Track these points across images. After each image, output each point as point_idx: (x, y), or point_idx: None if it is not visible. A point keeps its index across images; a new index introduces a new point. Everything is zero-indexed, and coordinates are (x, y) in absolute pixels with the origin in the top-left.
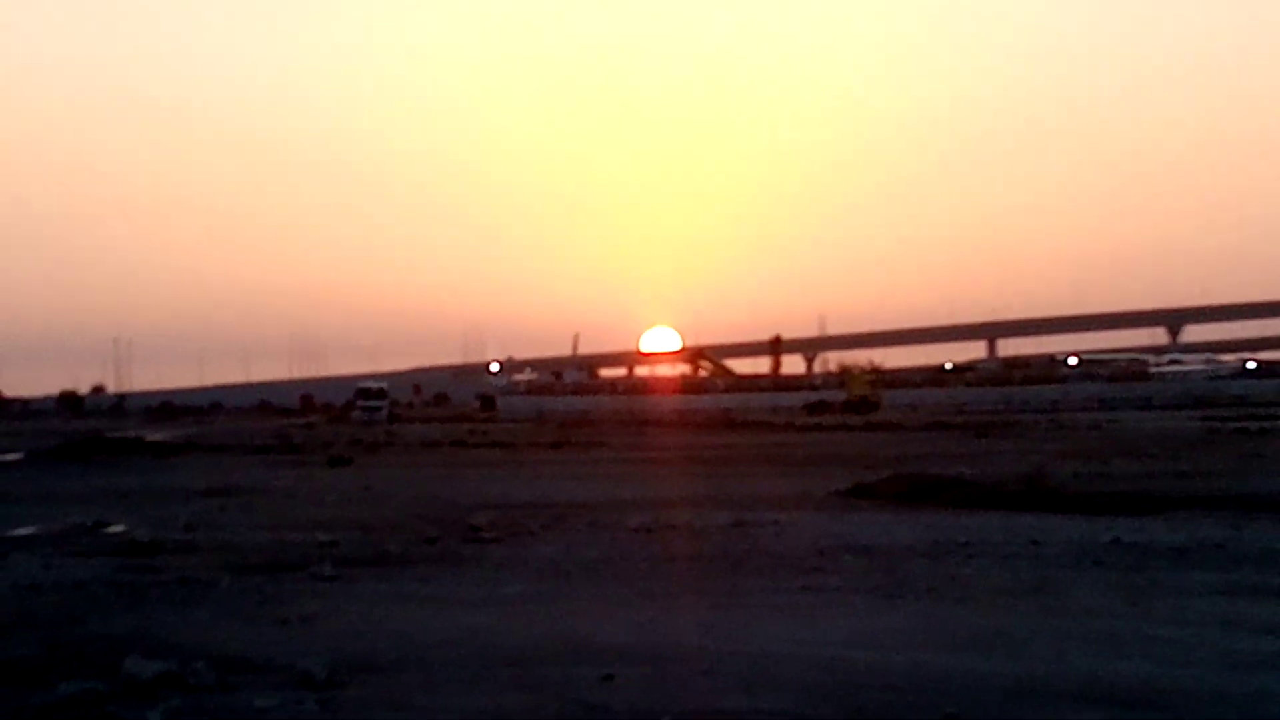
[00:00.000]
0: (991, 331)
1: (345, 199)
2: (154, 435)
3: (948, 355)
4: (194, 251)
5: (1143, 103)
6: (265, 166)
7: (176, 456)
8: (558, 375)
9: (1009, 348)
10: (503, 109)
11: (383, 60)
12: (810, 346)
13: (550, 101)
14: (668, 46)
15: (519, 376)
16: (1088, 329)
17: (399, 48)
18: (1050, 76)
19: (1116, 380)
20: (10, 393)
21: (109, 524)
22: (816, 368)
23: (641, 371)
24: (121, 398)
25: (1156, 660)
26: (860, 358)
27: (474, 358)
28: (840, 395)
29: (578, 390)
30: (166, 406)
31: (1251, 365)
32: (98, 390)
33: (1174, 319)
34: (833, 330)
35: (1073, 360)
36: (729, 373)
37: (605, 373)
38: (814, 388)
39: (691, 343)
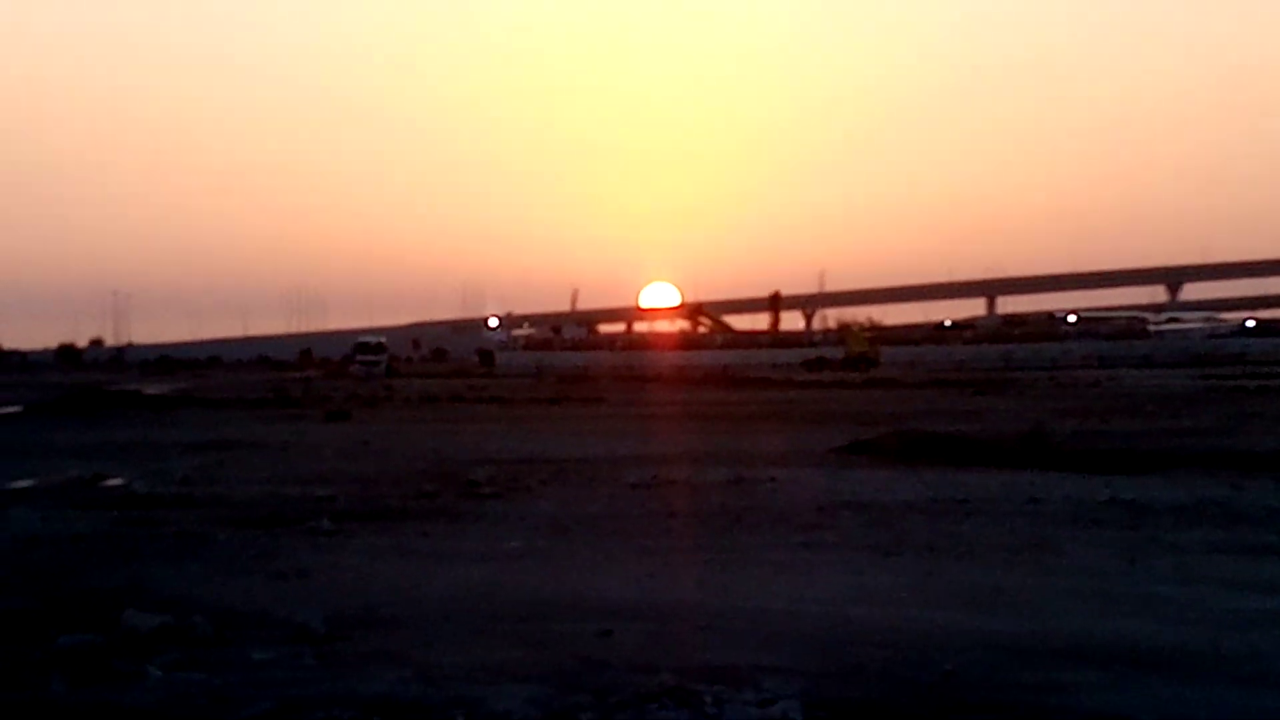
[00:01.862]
0: (990, 289)
1: (343, 153)
2: (152, 389)
3: (947, 312)
4: (193, 205)
5: (1141, 58)
6: (263, 120)
7: (174, 410)
8: (556, 330)
9: (1008, 305)
10: (501, 63)
11: (381, 14)
12: (809, 303)
13: (550, 56)
14: (668, 6)
15: (518, 331)
16: (1087, 287)
17: (401, 7)
18: (1048, 33)
19: (1116, 338)
20: (9, 345)
21: (107, 477)
22: (815, 324)
23: (640, 327)
24: (120, 351)
25: (1156, 618)
26: (859, 314)
27: (473, 313)
28: (839, 352)
29: (576, 346)
30: (164, 360)
31: (1251, 324)
32: (96, 343)
33: (1173, 277)
34: (831, 287)
35: (1071, 318)
36: (728, 328)
37: (604, 328)
38: (813, 344)
39: (690, 299)
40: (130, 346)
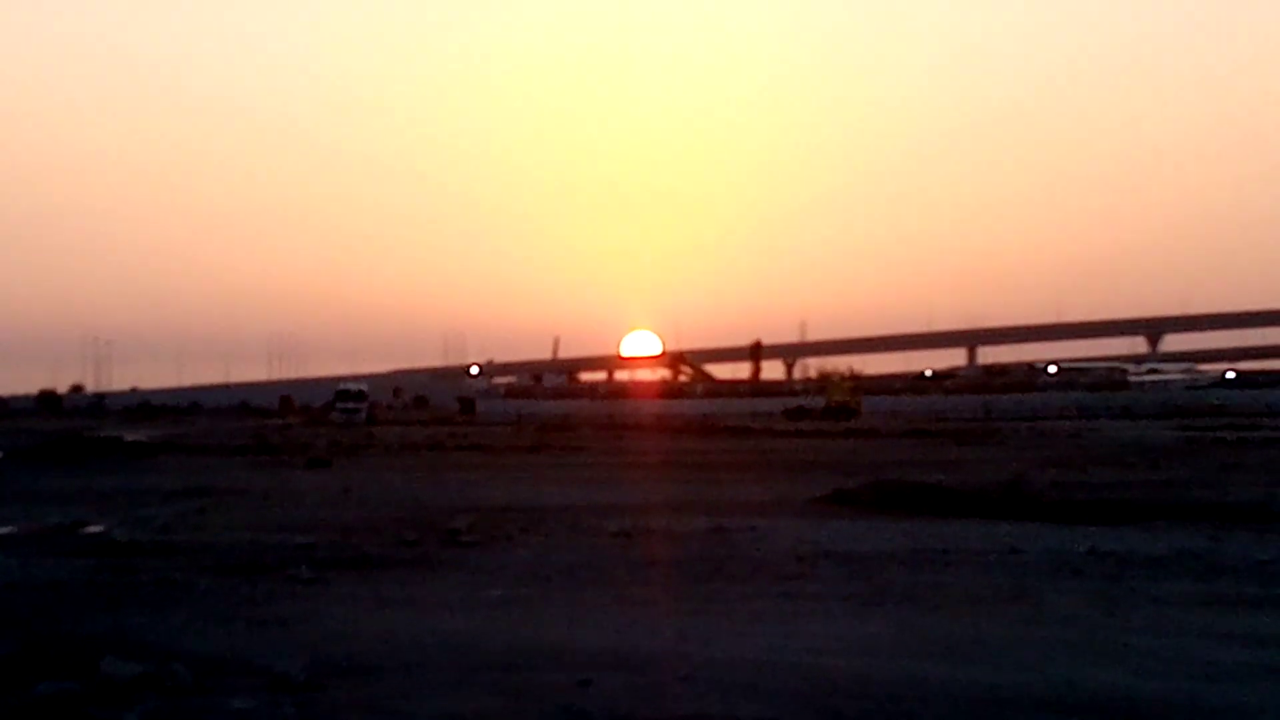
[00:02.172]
0: (971, 339)
1: (326, 201)
2: (132, 435)
3: (928, 362)
4: (174, 252)
5: (1124, 111)
6: (246, 168)
7: (155, 457)
8: (537, 379)
9: (989, 355)
10: (484, 112)
11: (363, 63)
12: (790, 352)
13: (533, 105)
14: (651, 52)
15: (499, 380)
16: (1068, 337)
17: (380, 50)
18: (1033, 84)
19: (1096, 389)
20: None
21: (87, 524)
22: (796, 373)
23: (621, 376)
24: (100, 397)
25: (1134, 670)
26: (840, 364)
27: (454, 360)
28: (820, 401)
29: (558, 394)
30: (145, 406)
31: (1231, 375)
32: (76, 389)
33: (1154, 328)
34: (813, 336)
35: (1052, 368)
36: (709, 377)
37: (585, 376)
38: (794, 393)
39: (672, 347)
40: (110, 393)
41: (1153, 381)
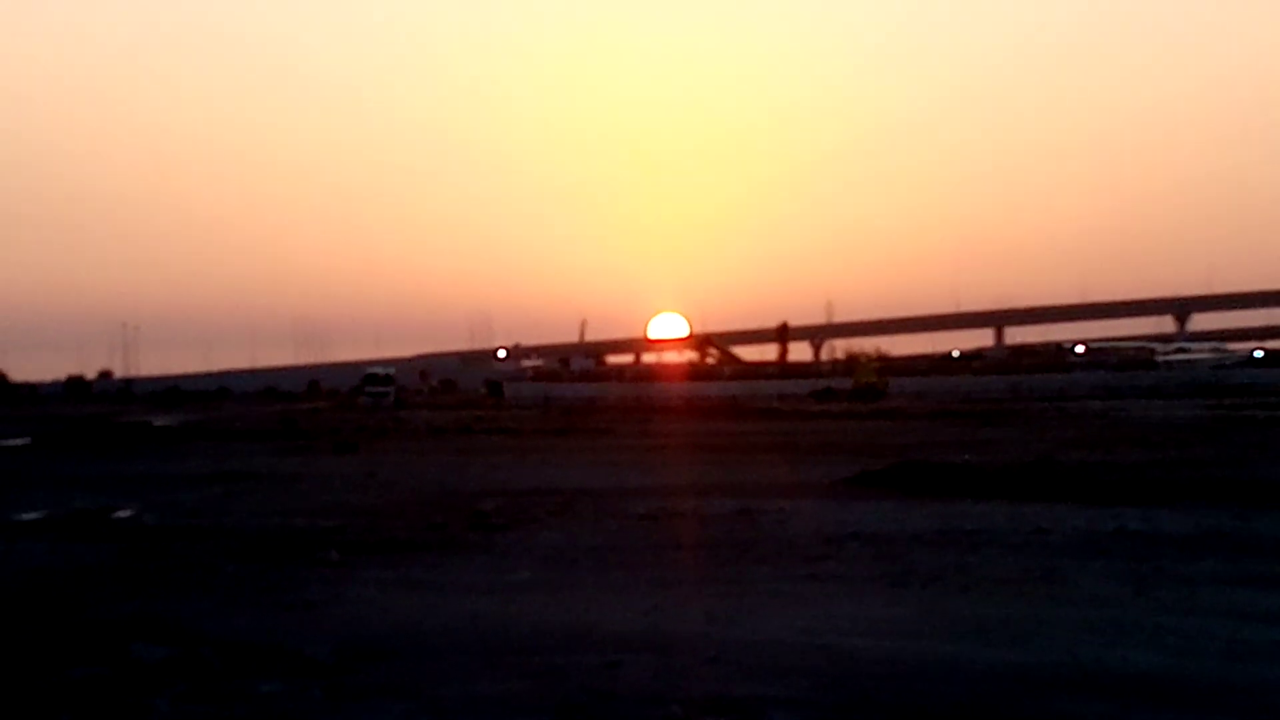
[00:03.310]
0: (998, 319)
1: (352, 184)
2: (161, 421)
3: (955, 343)
4: (201, 237)
5: (1149, 90)
6: (271, 151)
7: (183, 442)
8: (565, 362)
9: (1016, 336)
10: (509, 94)
11: (389, 44)
12: (817, 334)
13: (558, 89)
14: (674, 32)
15: (526, 363)
16: (1095, 317)
17: (406, 30)
18: (1057, 65)
19: (1123, 368)
20: (18, 378)
21: (116, 509)
22: (823, 355)
23: (648, 358)
24: (128, 383)
25: (1164, 650)
26: (867, 345)
27: (481, 344)
28: (847, 383)
29: (585, 377)
30: (173, 392)
31: (1259, 354)
32: (105, 375)
33: (1181, 307)
34: (839, 318)
35: (1079, 348)
36: (736, 359)
37: (612, 359)
38: (821, 375)
39: (699, 329)
40: (138, 379)
41: (1180, 361)
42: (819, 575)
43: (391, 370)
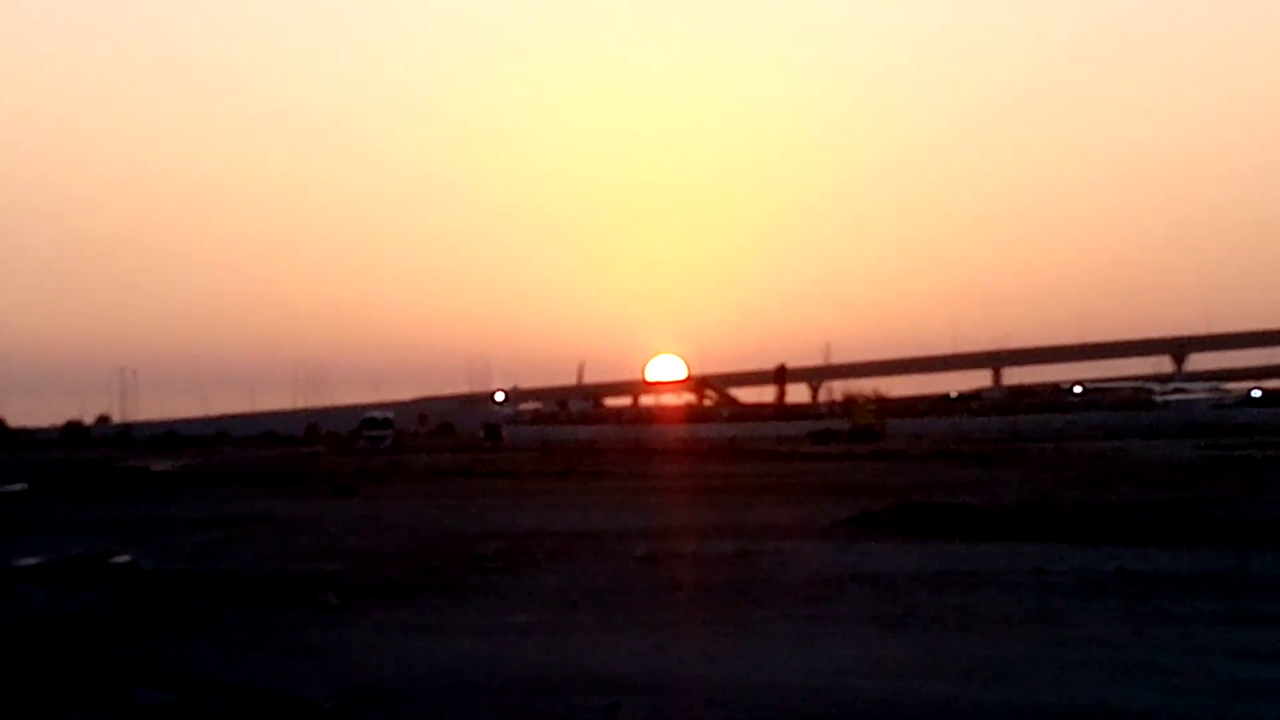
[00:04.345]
0: (996, 360)
1: (350, 229)
2: (159, 465)
3: (953, 384)
4: (199, 281)
5: (1147, 131)
6: (270, 196)
7: (181, 487)
8: (563, 404)
9: (1014, 376)
10: (507, 136)
11: (386, 87)
12: (815, 375)
13: (555, 128)
14: (673, 74)
15: (524, 406)
16: (1093, 357)
17: (403, 74)
18: (1055, 104)
19: (1121, 409)
20: (15, 423)
21: (114, 554)
22: (821, 396)
23: (647, 400)
24: (127, 428)
25: (1163, 689)
26: (865, 386)
27: (479, 387)
28: (845, 424)
29: (583, 419)
30: (171, 436)
31: (1257, 394)
32: (103, 420)
33: (1179, 347)
34: (837, 359)
35: (1077, 389)
36: (733, 401)
37: (610, 402)
38: (819, 416)
39: (697, 371)
40: (136, 423)
41: (1178, 400)
42: (818, 616)
43: (390, 414)
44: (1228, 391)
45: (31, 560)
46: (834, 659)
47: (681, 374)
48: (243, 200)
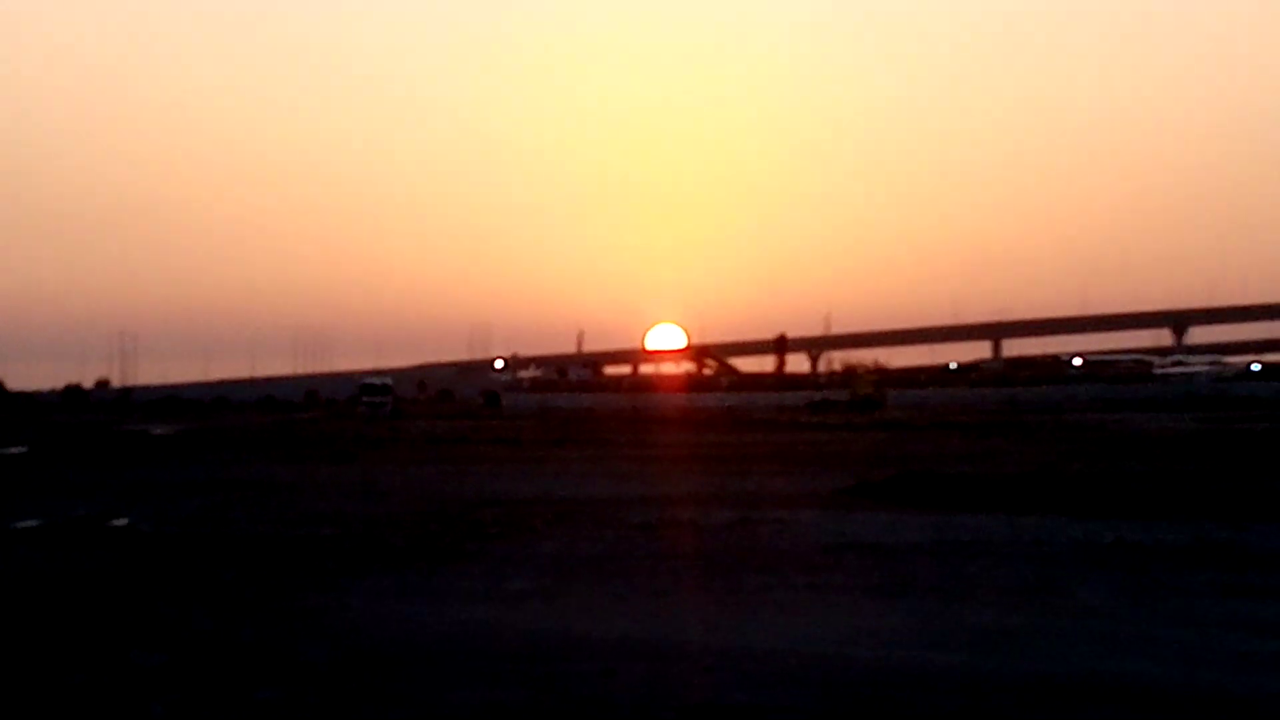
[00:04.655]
0: (996, 332)
1: (350, 195)
2: (158, 430)
3: (952, 355)
4: (199, 246)
5: (1149, 104)
6: (271, 161)
7: (180, 451)
8: (562, 372)
9: (1014, 348)
10: (507, 105)
11: (386, 57)
12: (815, 345)
13: (555, 97)
14: (671, 44)
15: (524, 373)
16: (1093, 330)
17: (402, 44)
18: (1057, 77)
19: (1121, 381)
20: (15, 386)
21: (113, 517)
22: (821, 367)
23: (646, 369)
24: (126, 392)
25: (1160, 660)
26: (865, 357)
27: (479, 354)
28: (845, 394)
29: (582, 387)
30: (171, 401)
31: (1256, 367)
32: (102, 384)
33: (1179, 320)
34: (837, 329)
35: (1077, 361)
36: (733, 371)
37: (610, 370)
38: (819, 386)
39: (697, 340)
40: (136, 388)
41: (1178, 374)
42: (817, 585)
43: (389, 380)
44: (1227, 365)
45: (30, 523)
46: (832, 627)
47: (681, 343)
48: (244, 166)
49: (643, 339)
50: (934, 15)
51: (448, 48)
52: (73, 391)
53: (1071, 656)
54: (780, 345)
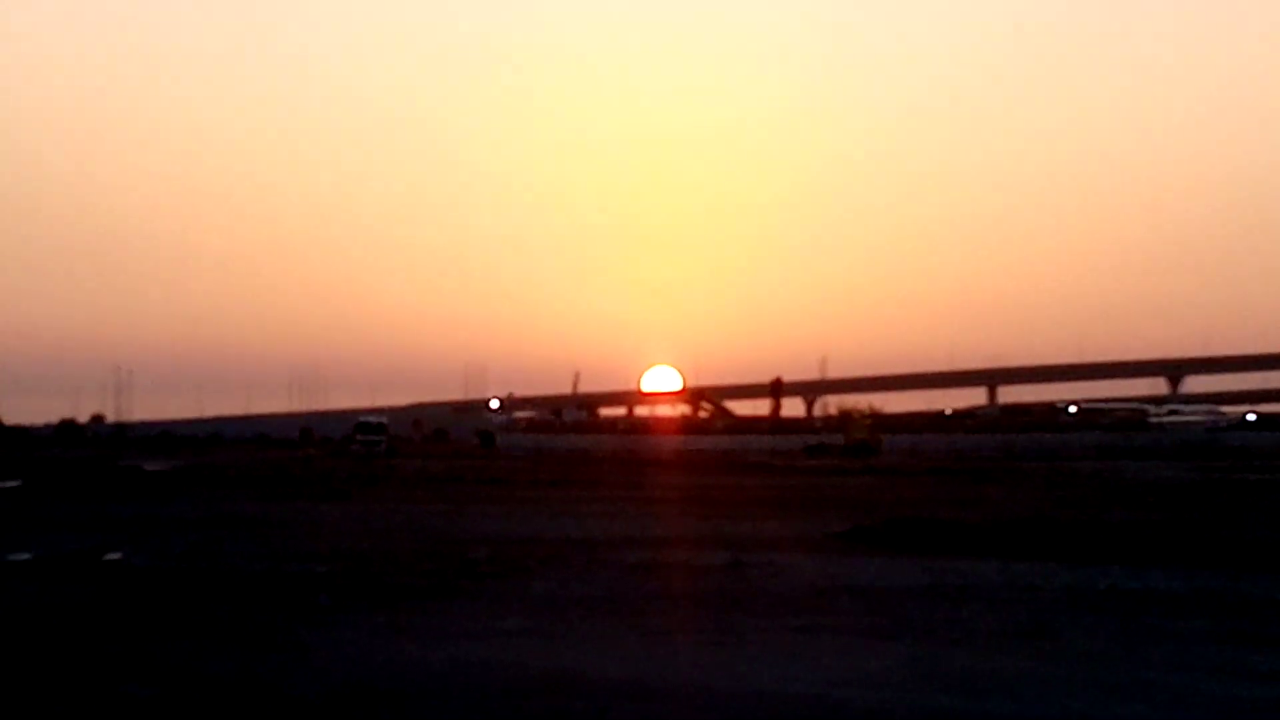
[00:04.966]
0: (992, 378)
1: (348, 233)
2: (153, 465)
3: (948, 401)
4: (196, 283)
5: (1146, 152)
6: (268, 199)
7: (175, 487)
8: (557, 414)
9: (1009, 395)
10: (505, 147)
11: (381, 93)
12: (811, 389)
13: (552, 140)
14: (668, 85)
15: (519, 414)
16: (1088, 378)
17: (399, 81)
18: (1053, 125)
19: (1116, 429)
20: (10, 420)
21: (107, 551)
22: (817, 411)
23: (642, 411)
24: (121, 427)
25: (1154, 705)
26: (860, 402)
27: (474, 394)
28: (840, 438)
29: (578, 429)
30: (166, 437)
31: (1252, 417)
32: (97, 419)
33: (1174, 369)
34: (833, 374)
35: (1072, 409)
36: (729, 414)
37: (605, 412)
38: (814, 431)
39: (692, 383)
40: (131, 423)
41: (1173, 423)
42: (810, 628)
43: (384, 419)
44: (1223, 414)
45: (23, 556)
46: (825, 669)
47: (677, 385)
48: (241, 202)
49: (639, 381)
50: (930, 60)
51: (446, 87)
52: (67, 426)
53: (1065, 701)
54: (776, 389)
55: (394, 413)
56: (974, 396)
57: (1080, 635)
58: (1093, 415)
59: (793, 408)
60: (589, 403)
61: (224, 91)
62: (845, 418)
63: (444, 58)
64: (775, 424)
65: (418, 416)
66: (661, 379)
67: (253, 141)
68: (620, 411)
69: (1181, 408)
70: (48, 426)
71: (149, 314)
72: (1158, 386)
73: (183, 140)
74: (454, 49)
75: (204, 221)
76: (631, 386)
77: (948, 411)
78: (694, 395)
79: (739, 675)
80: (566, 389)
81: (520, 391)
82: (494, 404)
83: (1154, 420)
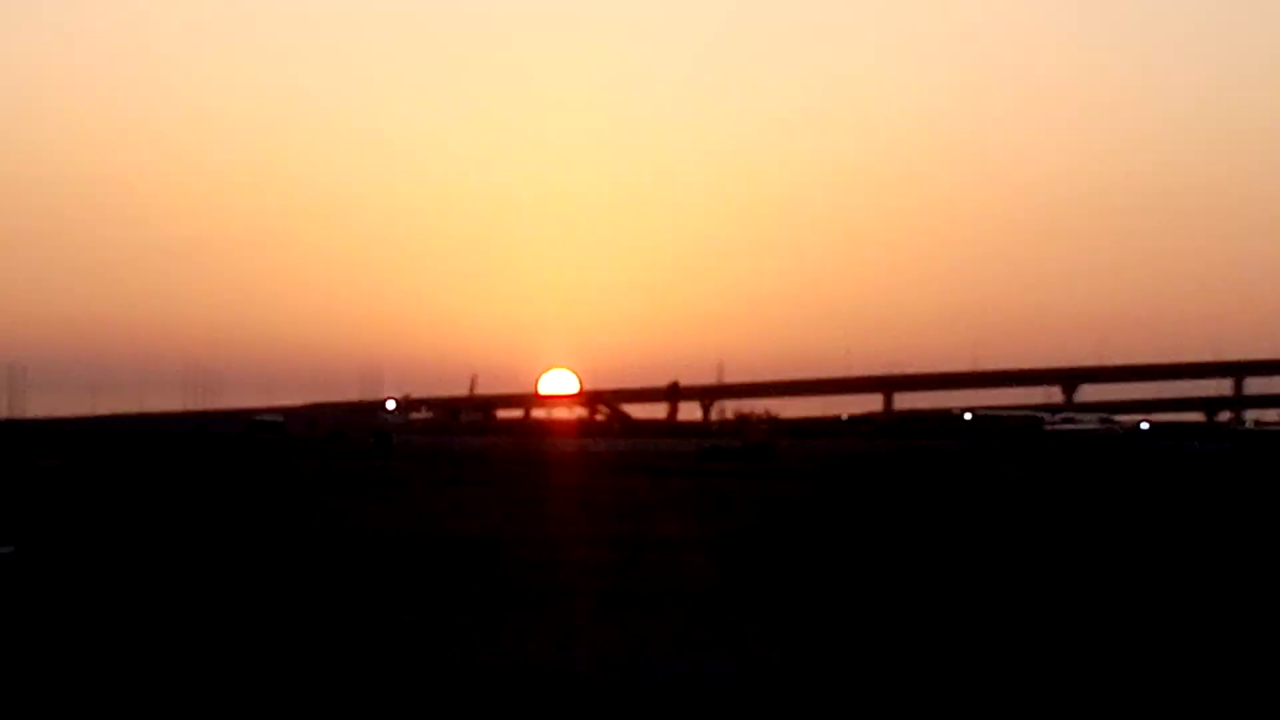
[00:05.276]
0: (888, 385)
1: (244, 232)
2: (46, 462)
3: (844, 407)
4: (90, 280)
5: (1042, 163)
6: (166, 196)
7: (67, 483)
8: (454, 415)
9: (906, 402)
10: (403, 147)
11: (286, 97)
12: (708, 394)
13: (450, 140)
14: (568, 90)
15: (415, 415)
16: (984, 386)
17: (301, 86)
18: (951, 134)
19: (1011, 436)
20: None
21: None
22: (713, 415)
23: (539, 413)
24: (15, 424)
25: None
26: (757, 406)
27: (371, 395)
28: (736, 442)
29: (474, 430)
30: (59, 434)
31: (1145, 426)
32: None
33: (1069, 378)
34: (730, 379)
35: (968, 416)
36: (626, 417)
37: (502, 414)
38: (711, 434)
39: (590, 386)
40: (23, 421)
41: (1068, 430)
42: (705, 624)
43: (280, 418)
44: (1116, 423)
45: None
46: (720, 662)
47: (575, 388)
48: (139, 199)
49: (536, 384)
50: (834, 75)
51: (347, 89)
52: None
53: None
54: (673, 393)
55: (290, 413)
56: (870, 403)
57: None
58: (988, 422)
59: (690, 412)
60: (486, 405)
61: (123, 93)
62: (742, 422)
63: (341, 60)
64: (672, 427)
65: (314, 416)
66: (559, 382)
67: (143, 140)
68: (518, 414)
69: (1076, 415)
70: None
71: (43, 310)
72: (1052, 395)
73: (71, 138)
74: (353, 55)
75: (99, 218)
76: (529, 389)
77: (843, 417)
78: (591, 398)
79: (637, 667)
80: (464, 391)
81: (417, 393)
82: (390, 405)
83: (1049, 428)
